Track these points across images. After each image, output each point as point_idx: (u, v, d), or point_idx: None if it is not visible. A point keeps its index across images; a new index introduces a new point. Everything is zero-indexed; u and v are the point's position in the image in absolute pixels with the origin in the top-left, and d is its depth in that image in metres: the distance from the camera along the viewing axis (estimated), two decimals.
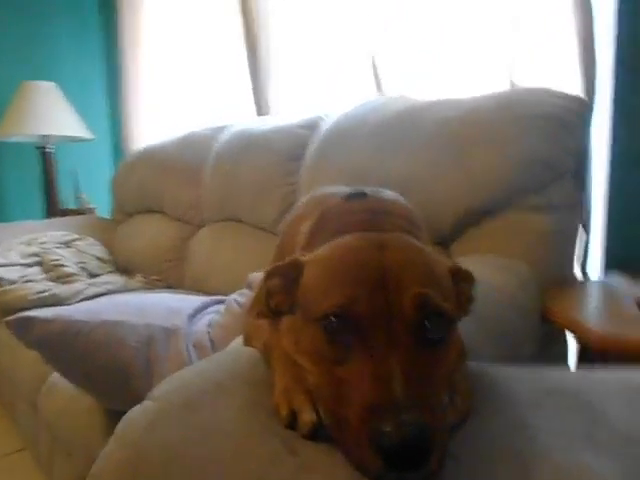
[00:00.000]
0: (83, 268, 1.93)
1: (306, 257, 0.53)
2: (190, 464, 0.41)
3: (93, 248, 2.09)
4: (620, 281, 1.12)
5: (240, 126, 1.97)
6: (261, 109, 2.15)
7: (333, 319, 0.45)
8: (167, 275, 2.05)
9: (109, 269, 2.08)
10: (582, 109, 1.17)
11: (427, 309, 0.45)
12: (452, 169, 1.17)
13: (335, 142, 1.52)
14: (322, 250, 0.53)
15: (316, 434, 0.43)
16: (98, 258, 2.06)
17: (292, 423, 0.44)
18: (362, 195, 0.66)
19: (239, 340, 0.70)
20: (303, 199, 0.79)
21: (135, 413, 0.49)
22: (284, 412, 0.45)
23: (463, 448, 0.43)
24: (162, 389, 0.52)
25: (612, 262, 1.29)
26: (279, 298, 0.55)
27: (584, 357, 1.01)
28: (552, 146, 1.11)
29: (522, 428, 0.46)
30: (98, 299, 1.35)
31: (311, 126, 1.71)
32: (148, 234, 2.21)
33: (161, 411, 0.48)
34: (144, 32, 2.68)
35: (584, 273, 1.23)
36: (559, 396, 0.50)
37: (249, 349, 0.60)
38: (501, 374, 0.55)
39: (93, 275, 1.95)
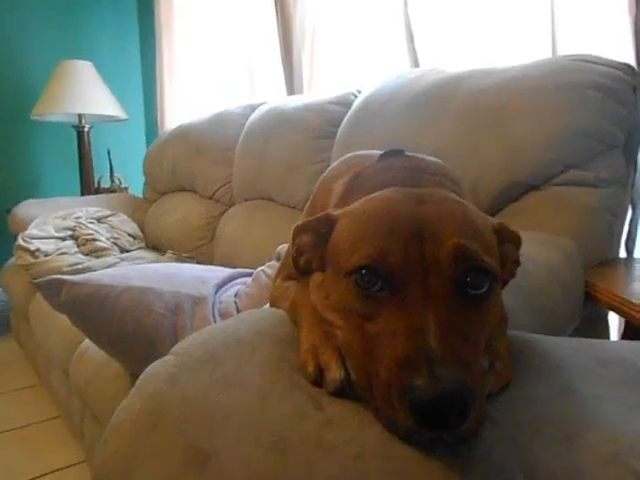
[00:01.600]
0: (115, 243, 1.96)
1: (338, 212, 0.51)
2: (211, 415, 0.39)
3: (125, 224, 2.11)
4: None
5: (271, 104, 1.95)
6: (293, 89, 2.12)
7: (364, 272, 0.42)
8: (197, 253, 2.06)
9: (140, 245, 2.10)
10: (632, 77, 1.09)
11: (467, 261, 0.41)
12: (489, 142, 1.12)
13: (366, 117, 1.47)
14: (355, 204, 0.50)
15: (343, 392, 0.41)
16: (130, 234, 2.08)
17: (319, 380, 0.42)
18: (399, 152, 0.62)
19: (267, 306, 0.68)
20: (336, 161, 0.76)
21: (156, 367, 0.47)
22: (311, 368, 0.42)
23: (503, 413, 0.40)
24: (183, 344, 0.50)
25: None
26: (309, 255, 0.52)
27: (628, 337, 0.95)
28: (599, 117, 1.04)
29: (571, 395, 0.42)
30: (128, 266, 1.35)
31: (343, 102, 1.68)
32: (179, 212, 2.22)
33: (182, 364, 0.46)
34: (179, 13, 2.69)
35: (629, 252, 1.16)
36: (612, 366, 0.46)
37: (275, 310, 0.57)
38: (547, 342, 0.51)
39: (125, 250, 1.97)
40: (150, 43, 2.90)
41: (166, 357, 0.48)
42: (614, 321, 1.21)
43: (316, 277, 0.50)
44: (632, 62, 1.14)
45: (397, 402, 0.35)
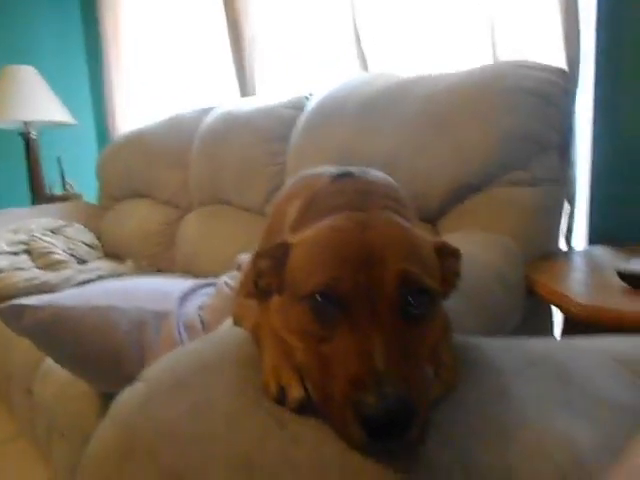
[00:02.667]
0: (72, 255, 1.93)
1: (293, 239, 0.54)
2: (182, 441, 0.42)
3: (81, 234, 2.08)
4: (603, 253, 1.14)
5: (225, 107, 1.95)
6: (245, 91, 2.13)
7: (318, 298, 0.46)
8: (157, 259, 2.05)
9: (98, 255, 2.07)
10: (565, 82, 1.17)
11: (409, 285, 0.46)
12: (437, 145, 1.18)
13: (320, 121, 1.51)
14: (308, 232, 0.54)
15: (304, 409, 0.45)
16: (87, 244, 2.05)
17: (281, 399, 0.46)
18: (349, 175, 0.67)
19: (230, 321, 0.71)
20: (291, 180, 0.79)
21: (127, 394, 0.50)
22: (273, 388, 0.46)
23: (444, 416, 0.45)
24: (152, 370, 0.53)
25: (596, 234, 1.31)
26: (268, 279, 0.56)
27: (567, 330, 1.04)
28: (536, 120, 1.12)
29: (503, 396, 0.47)
30: (88, 285, 1.35)
31: (296, 106, 1.71)
32: (136, 219, 2.21)
33: (152, 391, 0.49)
34: (126, 14, 2.63)
35: (569, 246, 1.25)
36: (541, 365, 0.52)
37: (236, 330, 0.61)
38: (484, 345, 0.56)
39: (82, 261, 1.95)
40: (96, 45, 2.83)
41: (136, 384, 0.51)
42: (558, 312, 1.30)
43: (275, 300, 0.54)
44: (564, 67, 1.22)
45: (350, 417, 0.40)
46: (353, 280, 0.45)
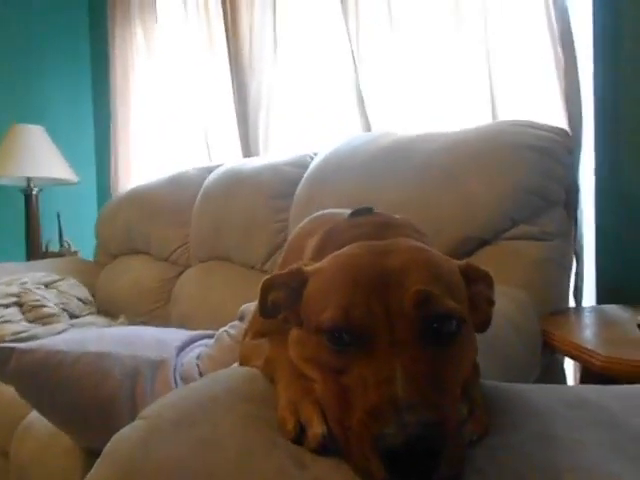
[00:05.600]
0: (64, 309, 1.86)
1: (309, 267, 0.51)
2: (190, 479, 0.37)
3: (75, 289, 2.03)
4: (615, 310, 1.11)
5: (229, 165, 1.98)
6: (249, 151, 2.17)
7: (332, 330, 0.43)
8: (152, 316, 1.98)
9: (91, 310, 2.01)
10: (566, 139, 1.19)
11: (429, 307, 0.42)
12: (444, 199, 1.18)
13: (324, 177, 1.52)
14: (324, 261, 0.51)
15: (325, 449, 0.40)
16: (80, 299, 1.99)
17: (299, 437, 0.41)
18: (368, 210, 0.65)
19: (235, 366, 0.66)
20: (307, 219, 0.78)
21: (125, 432, 0.45)
22: (290, 425, 0.41)
23: (487, 461, 0.40)
24: (153, 407, 0.48)
25: (604, 294, 1.29)
26: (286, 312, 0.52)
27: (586, 383, 0.98)
28: (541, 175, 1.13)
29: (547, 439, 0.42)
30: (83, 331, 1.29)
31: (300, 164, 1.73)
32: (133, 275, 2.16)
33: (153, 428, 0.44)
34: (136, 74, 2.73)
35: (578, 302, 1.22)
36: (581, 409, 0.48)
37: (245, 368, 0.56)
38: (516, 389, 0.52)
39: (74, 316, 1.88)
40: (103, 103, 2.91)
41: (135, 422, 0.46)
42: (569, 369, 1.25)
43: (294, 333, 0.50)
44: (565, 126, 1.25)
45: (369, 452, 0.35)
46: (367, 307, 0.42)
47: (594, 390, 0.53)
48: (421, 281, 0.44)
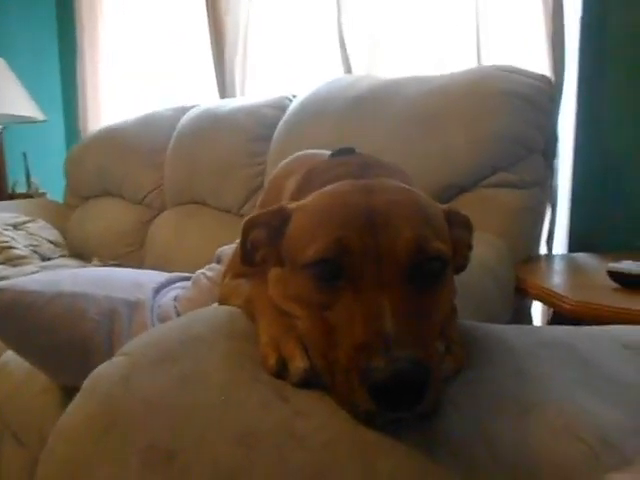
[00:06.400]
0: (34, 251, 1.82)
1: (292, 205, 0.50)
2: (173, 415, 0.37)
3: (45, 231, 1.97)
4: (586, 257, 1.14)
5: (205, 106, 1.91)
6: (225, 93, 2.09)
7: (321, 264, 0.43)
8: (126, 260, 1.96)
9: (62, 253, 1.97)
10: (549, 88, 1.18)
11: (420, 249, 0.43)
12: (425, 146, 1.16)
13: (303, 121, 1.48)
14: (308, 198, 0.50)
15: (307, 382, 0.40)
16: (50, 241, 1.95)
17: (281, 372, 0.41)
18: (351, 150, 0.64)
19: (215, 305, 0.66)
20: (286, 159, 0.76)
21: (105, 368, 0.44)
22: (272, 360, 0.42)
23: (462, 395, 0.41)
24: (134, 344, 0.47)
25: (576, 242, 1.32)
26: (265, 251, 0.51)
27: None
28: (522, 123, 1.12)
29: (521, 374, 0.44)
30: (55, 271, 1.26)
31: (278, 106, 1.68)
32: (106, 218, 2.11)
33: (135, 364, 0.43)
34: (103, 9, 2.56)
35: (550, 250, 1.25)
36: (554, 348, 0.49)
37: (226, 307, 0.56)
38: (492, 329, 0.53)
39: (45, 259, 1.84)
40: (70, 39, 2.74)
41: (116, 358, 0.46)
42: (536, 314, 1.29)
43: (274, 272, 0.50)
44: (548, 73, 1.24)
45: (357, 386, 0.35)
46: (358, 243, 0.42)
47: (567, 330, 0.55)
48: (411, 222, 0.44)
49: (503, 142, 1.11)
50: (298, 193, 0.58)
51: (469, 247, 0.53)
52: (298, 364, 0.40)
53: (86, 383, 0.43)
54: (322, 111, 1.42)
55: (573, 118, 1.33)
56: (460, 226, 0.51)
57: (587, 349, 0.50)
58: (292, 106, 1.58)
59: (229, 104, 1.81)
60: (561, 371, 0.46)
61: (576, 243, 1.31)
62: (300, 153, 0.74)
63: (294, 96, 1.66)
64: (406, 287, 0.41)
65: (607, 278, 0.87)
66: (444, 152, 1.13)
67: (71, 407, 0.41)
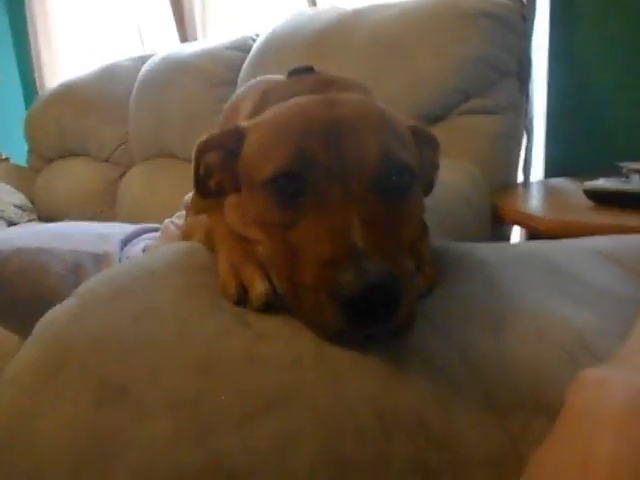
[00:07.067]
0: (0, 217, 1.75)
1: (246, 124, 0.47)
2: (124, 349, 0.35)
3: (10, 195, 1.90)
4: (562, 182, 1.13)
5: (165, 53, 1.81)
6: (185, 37, 1.99)
7: (281, 179, 0.39)
8: (98, 220, 1.90)
9: (31, 217, 1.90)
10: (520, 7, 1.13)
11: (388, 160, 0.40)
12: (394, 74, 1.12)
13: (268, 59, 1.42)
14: (264, 114, 0.46)
15: (269, 307, 0.38)
16: (17, 206, 1.88)
17: (242, 299, 0.39)
18: (309, 69, 0.59)
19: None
20: (243, 86, 0.71)
21: (54, 311, 0.42)
22: (232, 288, 0.39)
23: (435, 310, 0.39)
24: (86, 284, 0.44)
25: (552, 168, 1.30)
26: (220, 176, 0.48)
27: None
28: (493, 44, 1.08)
29: (494, 287, 0.42)
30: (12, 227, 1.21)
31: (242, 47, 1.60)
32: (72, 179, 2.04)
33: (86, 304, 0.41)
34: None
35: (526, 176, 1.23)
36: (529, 260, 0.47)
37: (186, 242, 0.53)
38: (466, 246, 0.51)
39: (13, 223, 1.78)
40: None
41: (66, 301, 0.43)
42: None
43: (231, 198, 0.47)
44: None
45: (326, 303, 0.33)
46: (320, 155, 0.39)
47: (541, 243, 0.54)
48: (378, 134, 0.41)
49: (474, 66, 1.06)
50: (254, 114, 0.54)
51: (435, 167, 0.50)
52: (259, 288, 0.38)
53: (35, 328, 0.40)
54: (287, 48, 1.36)
55: (547, 40, 1.28)
56: (426, 143, 0.49)
57: (561, 258, 0.49)
58: (256, 45, 1.51)
59: (190, 48, 1.73)
60: (535, 280, 0.44)
61: (553, 169, 1.29)
62: (257, 79, 0.70)
63: (257, 35, 1.58)
64: (374, 200, 0.38)
65: (584, 198, 0.85)
66: (412, 80, 1.08)
67: (18, 354, 0.38)
